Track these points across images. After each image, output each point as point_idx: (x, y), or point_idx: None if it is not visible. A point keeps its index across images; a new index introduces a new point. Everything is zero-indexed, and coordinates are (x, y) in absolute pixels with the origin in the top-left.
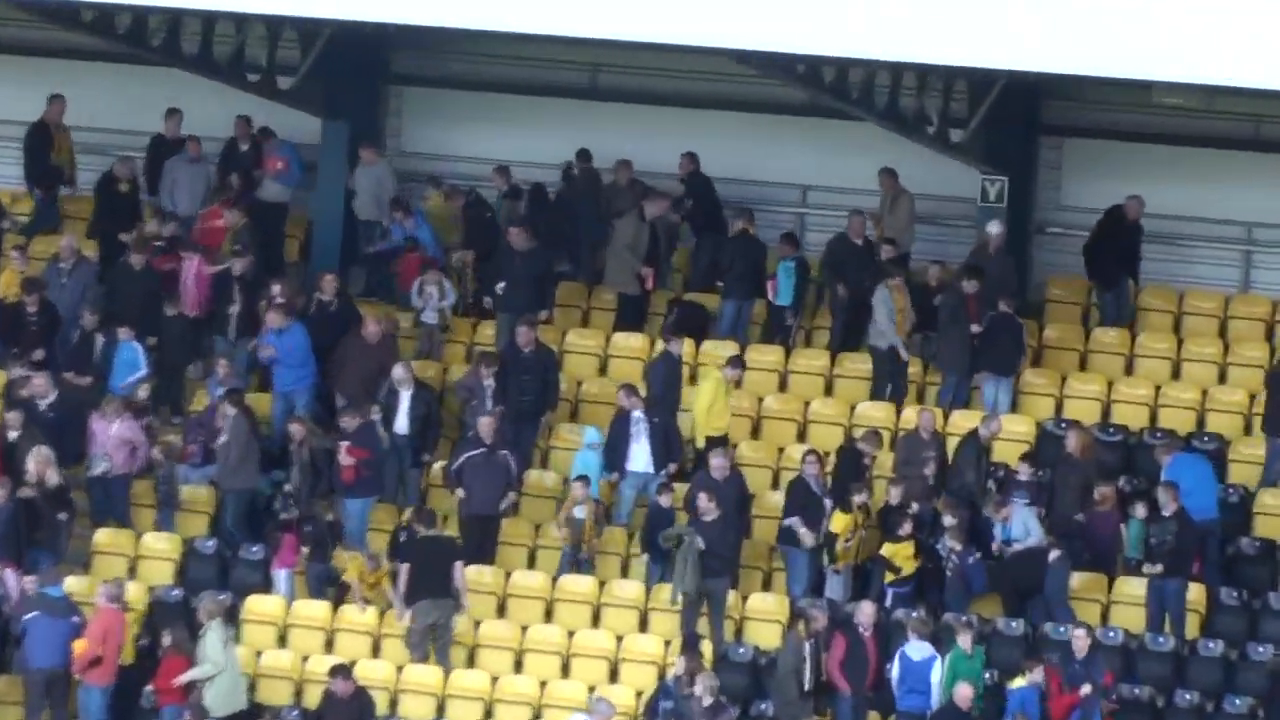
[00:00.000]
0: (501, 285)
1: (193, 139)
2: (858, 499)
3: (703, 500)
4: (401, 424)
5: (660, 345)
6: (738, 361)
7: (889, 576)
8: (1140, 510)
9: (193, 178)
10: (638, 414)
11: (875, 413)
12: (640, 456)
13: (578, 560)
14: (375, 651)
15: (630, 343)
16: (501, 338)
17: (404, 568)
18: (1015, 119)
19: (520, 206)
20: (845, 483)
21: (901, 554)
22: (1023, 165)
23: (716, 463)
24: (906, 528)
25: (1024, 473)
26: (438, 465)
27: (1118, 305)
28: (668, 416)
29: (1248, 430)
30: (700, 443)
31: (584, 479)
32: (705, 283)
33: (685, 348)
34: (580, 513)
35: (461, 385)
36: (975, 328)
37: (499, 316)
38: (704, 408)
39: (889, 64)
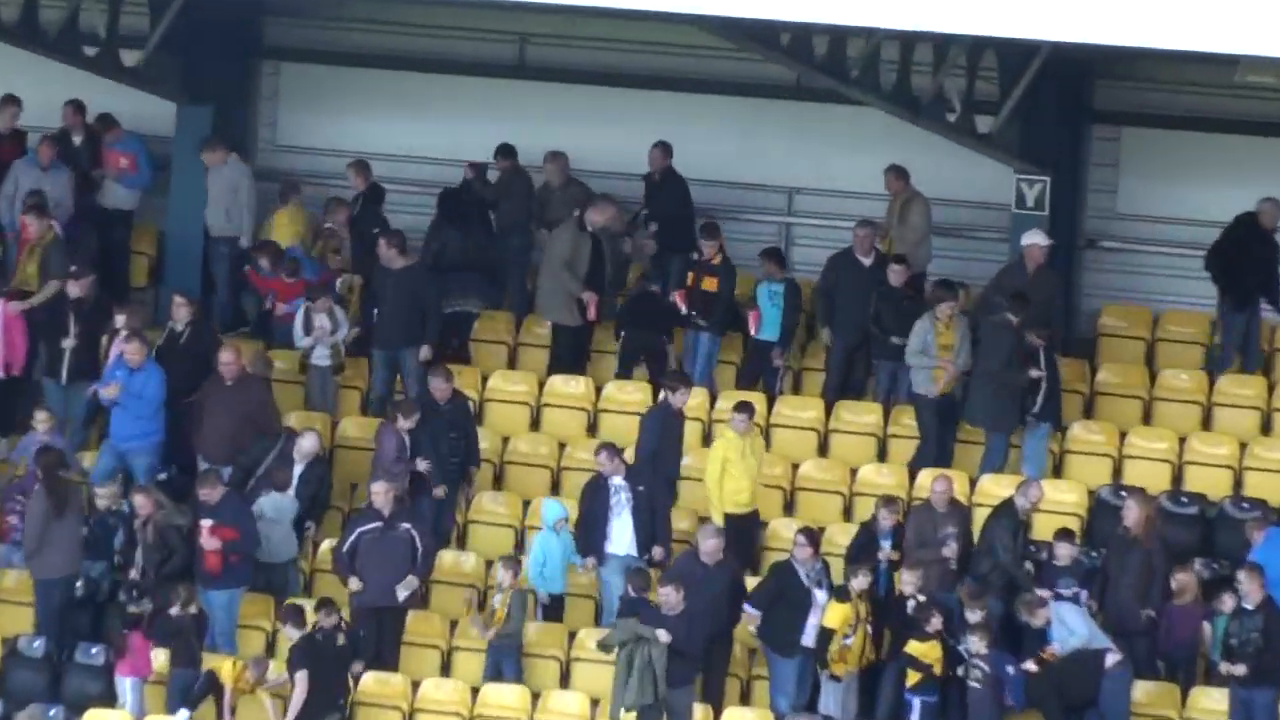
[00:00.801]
0: (375, 312)
1: (47, 141)
2: (857, 583)
3: (668, 593)
4: (284, 496)
5: (620, 387)
6: (746, 408)
7: (913, 678)
8: (1228, 602)
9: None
10: (618, 481)
11: (934, 483)
12: (623, 535)
13: (502, 664)
14: None
15: (570, 388)
16: (377, 381)
17: (300, 676)
18: (1059, 103)
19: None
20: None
21: (931, 653)
22: (1069, 162)
23: (709, 545)
24: (935, 623)
25: (1067, 553)
26: (326, 543)
27: (1245, 338)
28: (658, 485)
29: None
30: (720, 521)
31: (511, 560)
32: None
33: (689, 398)
34: (498, 601)
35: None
36: (1035, 372)
37: (372, 354)
38: (714, 476)
39: (897, 34)
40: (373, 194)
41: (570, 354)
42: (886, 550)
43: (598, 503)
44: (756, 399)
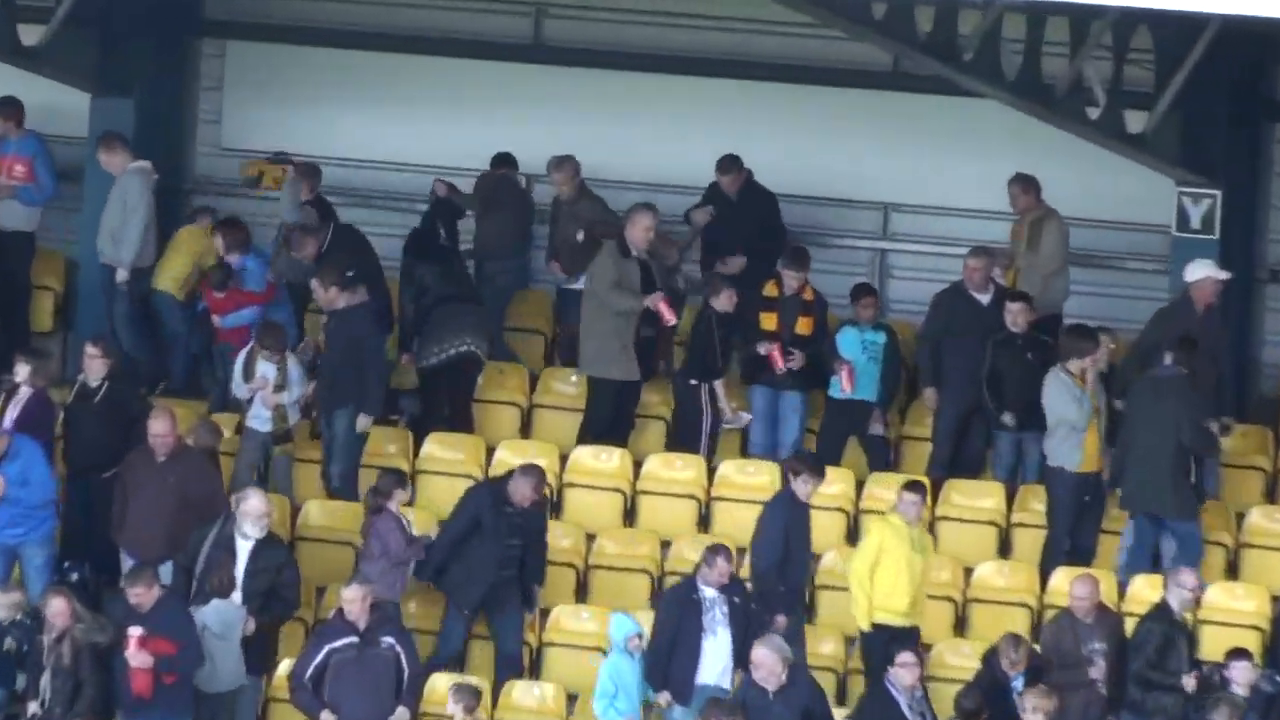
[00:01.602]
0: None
1: None
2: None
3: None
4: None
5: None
6: (917, 489)
7: None
8: None
9: None
10: (712, 594)
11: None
12: (715, 661)
13: None
14: None
15: (669, 470)
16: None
17: None
18: (1232, 96)
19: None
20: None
21: None
22: (1244, 171)
23: (763, 663)
24: None
25: (1243, 677)
26: (284, 664)
27: None
28: (779, 598)
29: None
30: (866, 626)
31: (466, 691)
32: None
33: (807, 485)
34: None
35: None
36: (1215, 421)
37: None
38: (863, 572)
39: (1024, 5)
40: (318, 206)
41: (612, 416)
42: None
43: (685, 620)
44: (842, 476)
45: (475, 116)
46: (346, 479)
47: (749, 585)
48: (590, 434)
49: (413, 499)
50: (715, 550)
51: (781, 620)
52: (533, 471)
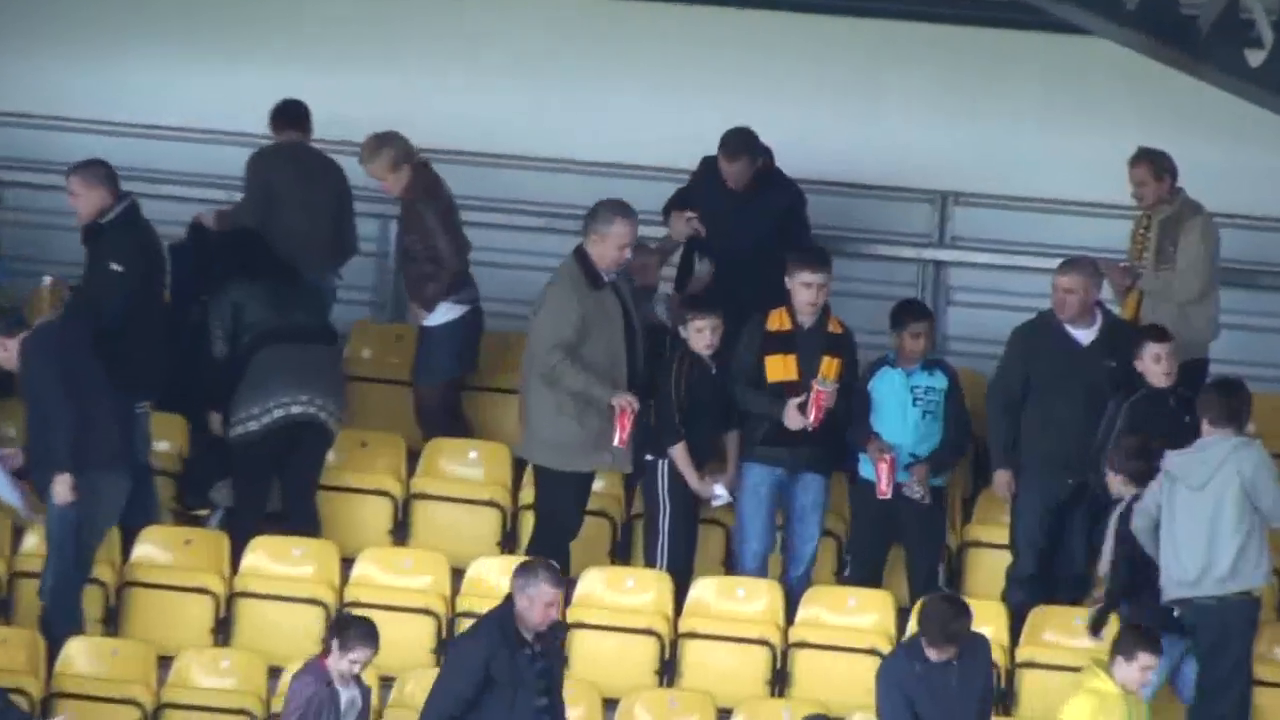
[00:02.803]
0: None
1: None
2: None
3: None
4: None
5: None
6: (1146, 645)
7: None
8: None
9: None
10: None
11: None
12: None
13: None
14: None
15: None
16: None
17: None
18: None
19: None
20: None
21: None
22: None
23: None
24: None
25: None
26: None
27: None
28: None
29: None
30: None
31: None
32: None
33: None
34: None
35: None
36: None
37: None
38: None
39: None
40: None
41: (577, 524)
42: None
43: None
44: (879, 602)
45: (319, 66)
46: (60, 594)
47: None
48: (545, 546)
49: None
50: None
51: None
52: (546, 572)
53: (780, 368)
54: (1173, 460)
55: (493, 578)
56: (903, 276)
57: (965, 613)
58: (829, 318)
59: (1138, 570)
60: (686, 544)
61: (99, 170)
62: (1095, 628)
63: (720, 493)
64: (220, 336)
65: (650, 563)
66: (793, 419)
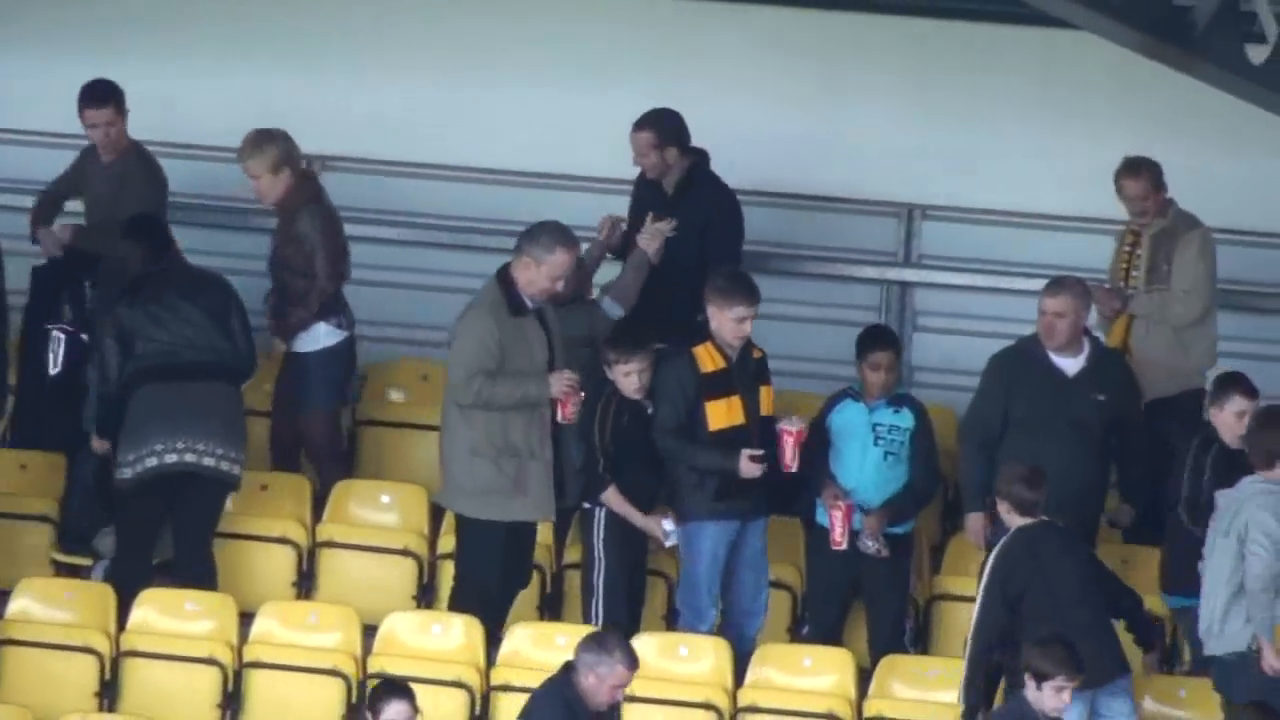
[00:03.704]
0: None
1: None
2: None
3: None
4: None
5: None
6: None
7: None
8: None
9: None
10: None
11: None
12: None
13: None
14: None
15: (443, 642)
16: None
17: None
18: None
19: None
20: None
21: None
22: None
23: None
24: None
25: None
26: None
27: None
28: None
29: None
30: None
31: None
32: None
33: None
34: None
35: None
36: None
37: None
38: None
39: None
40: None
41: (499, 575)
42: None
43: None
44: (838, 661)
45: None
46: None
47: None
48: (464, 603)
49: None
50: None
51: None
52: (622, 652)
53: (724, 413)
54: (1218, 500)
55: (407, 635)
56: (863, 299)
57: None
58: (750, 345)
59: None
60: (627, 599)
61: None
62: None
63: (671, 528)
64: (109, 364)
65: (586, 620)
66: (748, 469)
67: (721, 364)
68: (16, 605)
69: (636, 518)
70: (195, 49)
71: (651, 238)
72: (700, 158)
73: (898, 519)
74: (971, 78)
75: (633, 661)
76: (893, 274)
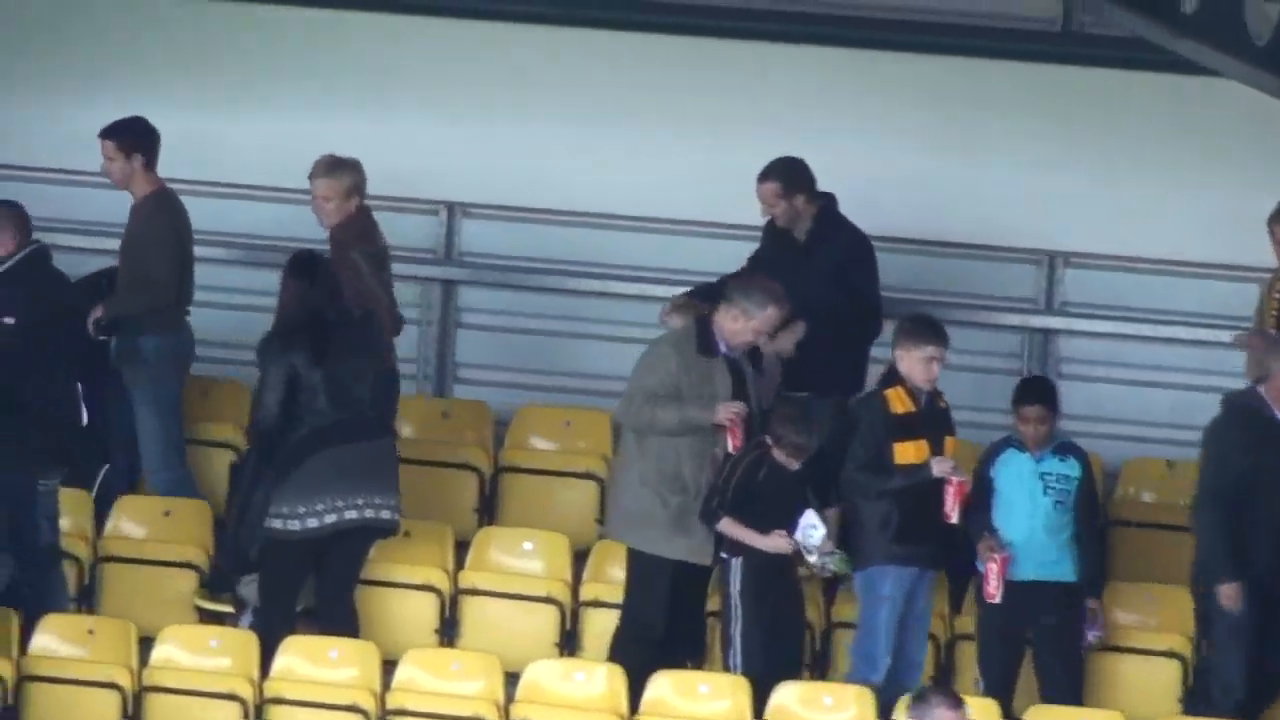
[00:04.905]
0: None
1: None
2: None
3: None
4: None
5: None
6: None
7: None
8: None
9: None
10: None
11: None
12: None
13: None
14: None
15: (587, 689)
16: None
17: None
18: None
19: None
20: None
21: None
22: None
23: None
24: None
25: None
26: None
27: None
28: None
29: None
30: None
31: None
32: None
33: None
34: None
35: None
36: None
37: None
38: None
39: None
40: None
41: (665, 617)
42: None
43: None
44: (983, 711)
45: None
46: None
47: None
48: (626, 648)
49: None
50: None
51: None
52: (933, 694)
53: (912, 455)
54: None
55: (550, 682)
56: (1005, 347)
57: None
58: (936, 393)
59: None
60: (764, 650)
61: (5, 214)
62: None
63: (814, 527)
64: (268, 401)
65: (725, 668)
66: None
67: (911, 407)
68: (161, 652)
69: (757, 539)
70: (338, 98)
71: (791, 336)
72: (829, 201)
73: (1098, 587)
74: (1111, 125)
75: (955, 702)
76: (1035, 321)
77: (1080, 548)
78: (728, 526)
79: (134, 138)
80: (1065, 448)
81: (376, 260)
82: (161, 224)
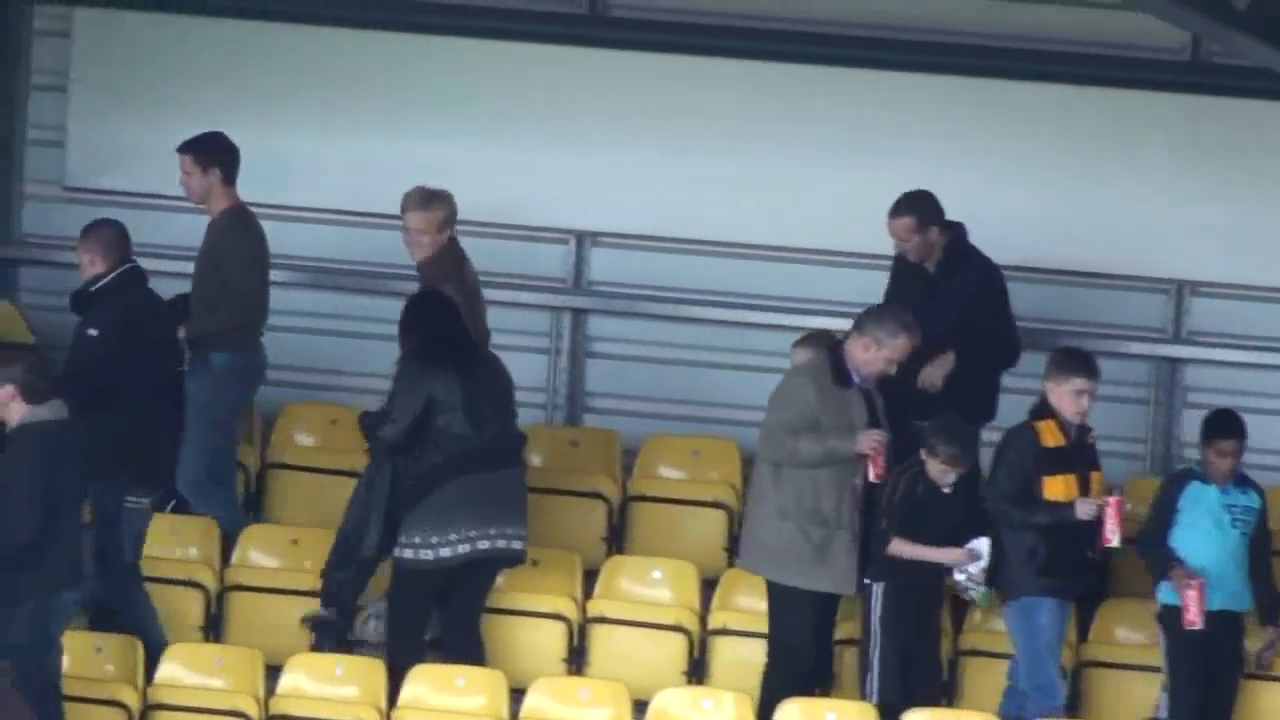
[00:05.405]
0: None
1: None
2: None
3: None
4: None
5: None
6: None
7: None
8: None
9: None
10: None
11: None
12: None
13: None
14: None
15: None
16: None
17: None
18: None
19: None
20: None
21: None
22: None
23: None
24: None
25: None
26: None
27: None
28: None
29: None
30: None
31: None
32: None
33: None
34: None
35: None
36: None
37: None
38: None
39: None
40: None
41: (811, 650)
42: None
43: None
44: None
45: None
46: None
47: None
48: (779, 682)
49: None
50: None
51: None
52: None
53: (1061, 490)
54: None
55: (679, 711)
56: (1133, 376)
57: None
58: (1085, 427)
59: None
60: (901, 676)
61: (101, 233)
62: None
63: (980, 555)
64: (401, 419)
65: (861, 695)
66: (1084, 510)
67: (1062, 440)
68: (288, 680)
69: (932, 554)
70: (467, 126)
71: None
72: (959, 231)
73: (1275, 614)
74: (1240, 153)
75: None
76: (1163, 350)
77: (1257, 578)
78: (900, 547)
79: (212, 153)
80: (1243, 480)
81: (470, 296)
82: (241, 237)
